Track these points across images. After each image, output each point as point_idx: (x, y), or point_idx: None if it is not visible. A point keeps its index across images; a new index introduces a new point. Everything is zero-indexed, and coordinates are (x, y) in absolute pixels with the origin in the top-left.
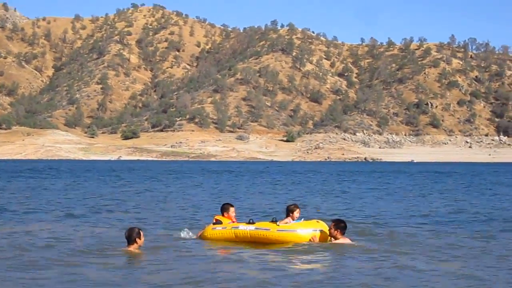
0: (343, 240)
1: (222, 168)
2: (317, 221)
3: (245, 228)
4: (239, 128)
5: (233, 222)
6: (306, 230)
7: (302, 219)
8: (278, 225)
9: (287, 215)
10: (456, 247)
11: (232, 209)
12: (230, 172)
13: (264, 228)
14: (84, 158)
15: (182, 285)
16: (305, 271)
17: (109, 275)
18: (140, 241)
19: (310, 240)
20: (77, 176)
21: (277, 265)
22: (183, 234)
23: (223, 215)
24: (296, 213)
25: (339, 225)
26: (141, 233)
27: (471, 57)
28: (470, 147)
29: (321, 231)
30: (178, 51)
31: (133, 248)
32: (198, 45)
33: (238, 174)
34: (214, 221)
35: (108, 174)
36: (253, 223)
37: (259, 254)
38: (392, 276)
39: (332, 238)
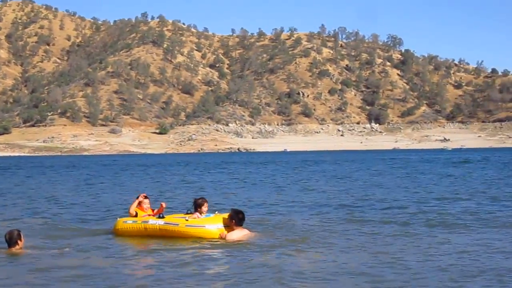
0: (239, 231)
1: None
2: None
3: (154, 223)
4: (111, 122)
5: (149, 215)
6: (215, 226)
7: (216, 212)
8: (187, 220)
9: (195, 210)
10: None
11: (145, 201)
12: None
13: (173, 223)
14: None
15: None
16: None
17: None
18: (21, 243)
19: (219, 236)
20: None
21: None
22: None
23: (137, 207)
24: (204, 207)
25: (235, 216)
26: (21, 235)
27: (341, 46)
28: (342, 135)
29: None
30: (48, 45)
31: (14, 250)
32: (69, 39)
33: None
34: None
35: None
36: (162, 217)
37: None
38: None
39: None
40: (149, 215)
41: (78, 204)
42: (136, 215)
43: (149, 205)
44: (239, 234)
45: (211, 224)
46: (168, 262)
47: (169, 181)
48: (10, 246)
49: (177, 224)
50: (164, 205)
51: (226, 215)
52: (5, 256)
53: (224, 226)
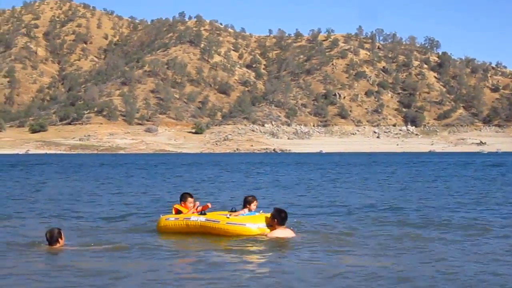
0: (282, 230)
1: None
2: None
3: (196, 219)
4: (147, 121)
5: (192, 212)
6: (255, 225)
7: (261, 211)
8: (228, 218)
9: (244, 206)
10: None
11: (189, 199)
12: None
13: (214, 220)
14: None
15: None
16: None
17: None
18: (62, 241)
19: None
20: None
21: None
22: None
23: (181, 204)
24: (253, 205)
25: (277, 215)
26: (62, 233)
27: (378, 48)
28: (378, 137)
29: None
30: (86, 43)
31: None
32: (106, 38)
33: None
34: (174, 211)
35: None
36: (204, 214)
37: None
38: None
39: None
40: (192, 212)
41: (116, 203)
42: (179, 213)
43: (192, 204)
44: (281, 233)
45: (252, 223)
46: (204, 262)
47: (203, 179)
48: (51, 245)
49: (218, 221)
50: (209, 205)
51: (269, 214)
52: (46, 253)
53: (267, 226)
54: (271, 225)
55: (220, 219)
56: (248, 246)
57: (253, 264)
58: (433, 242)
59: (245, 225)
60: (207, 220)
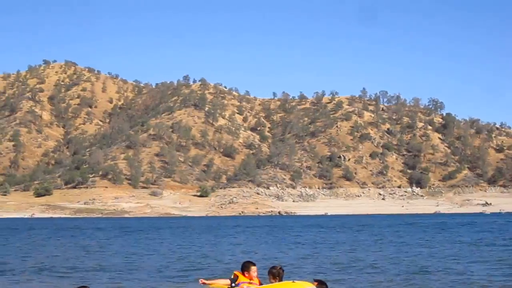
0: None
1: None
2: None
3: None
4: (152, 184)
5: (250, 282)
6: None
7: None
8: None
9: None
10: None
11: (252, 268)
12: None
13: None
14: None
15: None
16: None
17: None
18: None
19: None
20: None
21: None
22: None
23: (243, 274)
24: (252, 272)
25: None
26: None
27: (382, 109)
28: (383, 199)
29: None
30: (91, 107)
31: None
32: (111, 101)
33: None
34: (233, 276)
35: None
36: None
37: None
38: None
39: None
40: (249, 282)
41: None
42: (236, 279)
43: (256, 273)
44: None
45: None
46: None
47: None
48: None
49: None
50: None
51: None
52: None
53: None
54: None
55: None
56: None
57: None
58: None
59: None
60: None
